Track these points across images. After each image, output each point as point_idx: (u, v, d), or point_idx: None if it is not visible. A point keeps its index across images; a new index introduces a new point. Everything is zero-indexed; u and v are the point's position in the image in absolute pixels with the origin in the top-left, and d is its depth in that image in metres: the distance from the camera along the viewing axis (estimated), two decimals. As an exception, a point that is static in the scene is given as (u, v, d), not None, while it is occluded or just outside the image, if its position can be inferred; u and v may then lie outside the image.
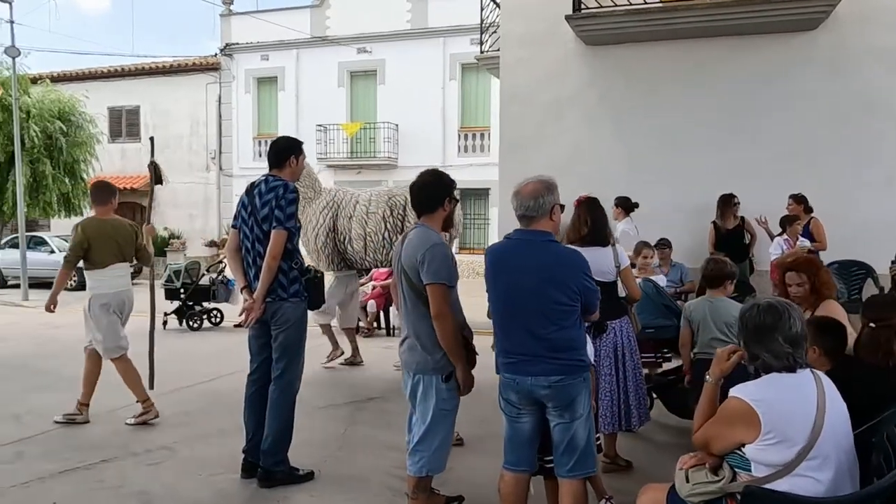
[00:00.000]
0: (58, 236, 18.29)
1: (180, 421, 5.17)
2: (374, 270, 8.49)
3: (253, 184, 3.95)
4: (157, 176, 5.40)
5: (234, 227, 4.00)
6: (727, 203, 6.93)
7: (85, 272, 5.02)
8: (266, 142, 20.09)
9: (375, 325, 9.40)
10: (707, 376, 2.36)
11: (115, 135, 21.02)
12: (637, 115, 7.90)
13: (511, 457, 2.86)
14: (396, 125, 18.27)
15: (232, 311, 9.35)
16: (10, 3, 14.35)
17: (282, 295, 3.83)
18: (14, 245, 15.26)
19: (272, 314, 3.83)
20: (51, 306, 5.15)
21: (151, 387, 5.28)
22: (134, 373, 5.07)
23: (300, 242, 4.20)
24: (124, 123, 21.21)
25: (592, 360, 3.16)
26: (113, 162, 20.28)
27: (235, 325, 8.61)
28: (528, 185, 2.81)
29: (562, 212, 2.90)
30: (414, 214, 7.12)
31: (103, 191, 5.12)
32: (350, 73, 19.00)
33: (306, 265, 4.00)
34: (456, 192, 3.25)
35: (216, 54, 20.07)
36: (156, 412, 5.10)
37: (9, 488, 3.85)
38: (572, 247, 3.92)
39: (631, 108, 7.94)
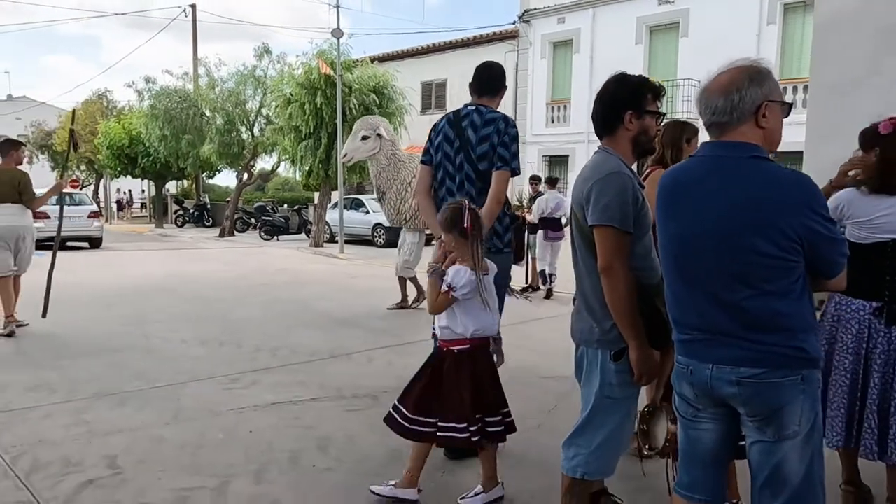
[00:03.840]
0: (373, 198, 20.55)
1: (397, 373, 5.09)
2: None
3: (458, 113, 3.46)
4: (74, 143, 6.50)
5: (424, 162, 3.60)
6: None
7: None
8: (560, 107, 19.79)
9: None
10: None
11: (425, 107, 22.75)
12: None
13: (684, 477, 1.95)
14: (699, 82, 16.32)
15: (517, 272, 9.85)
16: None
17: (497, 245, 3.38)
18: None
19: None
20: None
21: (44, 315, 6.16)
22: (9, 294, 6.10)
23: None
24: (433, 96, 22.84)
25: None
26: (423, 132, 21.91)
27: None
28: (719, 75, 1.85)
29: (787, 114, 1.88)
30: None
31: (5, 145, 6.24)
32: (649, 28, 17.55)
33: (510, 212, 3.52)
34: (655, 103, 2.34)
35: (514, 22, 20.31)
36: (11, 329, 6.01)
37: (227, 411, 4.13)
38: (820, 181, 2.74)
39: None
